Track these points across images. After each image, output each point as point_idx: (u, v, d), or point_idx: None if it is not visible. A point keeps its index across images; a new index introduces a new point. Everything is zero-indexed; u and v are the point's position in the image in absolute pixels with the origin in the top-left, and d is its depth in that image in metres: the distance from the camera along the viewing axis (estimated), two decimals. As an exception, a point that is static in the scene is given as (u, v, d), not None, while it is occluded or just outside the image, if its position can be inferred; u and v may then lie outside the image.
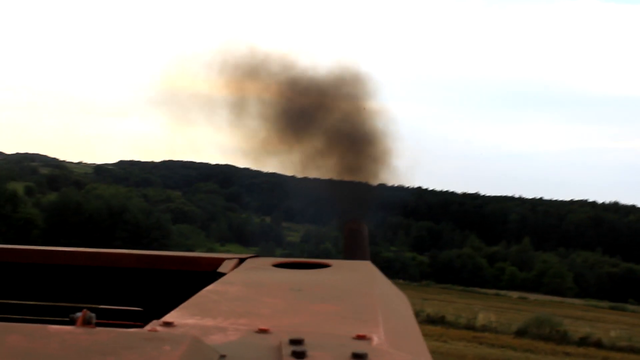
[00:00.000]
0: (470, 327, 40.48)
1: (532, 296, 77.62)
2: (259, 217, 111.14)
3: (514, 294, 78.82)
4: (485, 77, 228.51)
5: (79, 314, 1.96)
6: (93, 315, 1.98)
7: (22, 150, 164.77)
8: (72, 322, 2.02)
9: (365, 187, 7.19)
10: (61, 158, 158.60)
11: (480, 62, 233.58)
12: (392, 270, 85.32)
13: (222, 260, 2.64)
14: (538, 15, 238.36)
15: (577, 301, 77.00)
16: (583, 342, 37.15)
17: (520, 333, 38.79)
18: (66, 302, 2.60)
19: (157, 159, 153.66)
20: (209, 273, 2.49)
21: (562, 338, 37.46)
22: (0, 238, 65.31)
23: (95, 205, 74.56)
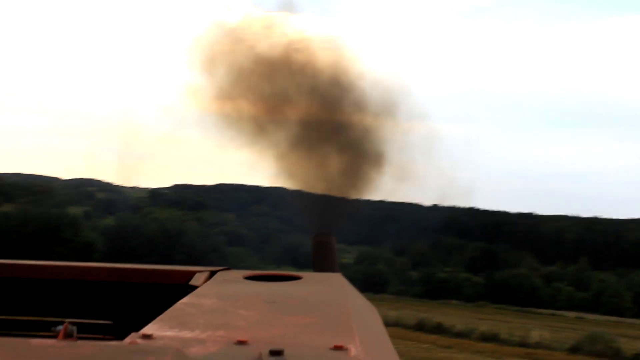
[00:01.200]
0: (523, 344, 41.35)
1: (590, 316, 77.38)
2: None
3: (571, 314, 78.64)
4: (537, 95, 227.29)
5: (60, 327, 1.97)
6: (74, 328, 2.00)
7: (78, 176, 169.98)
8: (53, 336, 2.05)
9: (339, 201, 7.68)
10: (116, 183, 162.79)
11: (531, 79, 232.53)
12: (446, 290, 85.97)
13: (193, 273, 2.65)
14: (589, 32, 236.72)
15: (636, 321, 76.53)
16: (637, 358, 37.80)
17: (574, 350, 39.60)
18: (36, 316, 2.59)
19: (210, 182, 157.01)
20: (181, 286, 2.52)
21: (616, 354, 38.18)
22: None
23: (152, 229, 77.31)
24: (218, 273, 2.60)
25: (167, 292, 2.47)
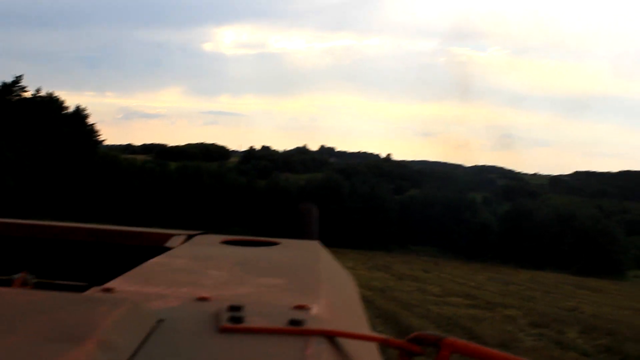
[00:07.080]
0: None
1: None
2: None
3: None
4: None
5: (17, 276, 2.00)
6: (31, 277, 2.03)
7: (480, 163, 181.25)
8: (9, 284, 2.06)
9: None
10: (517, 170, 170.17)
11: None
12: None
13: (170, 235, 2.69)
14: None
15: None
16: None
17: None
18: (8, 275, 2.44)
19: (614, 169, 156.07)
20: (157, 248, 2.52)
21: None
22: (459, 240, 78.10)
23: (545, 213, 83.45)
24: (196, 237, 2.67)
25: (142, 254, 2.41)
